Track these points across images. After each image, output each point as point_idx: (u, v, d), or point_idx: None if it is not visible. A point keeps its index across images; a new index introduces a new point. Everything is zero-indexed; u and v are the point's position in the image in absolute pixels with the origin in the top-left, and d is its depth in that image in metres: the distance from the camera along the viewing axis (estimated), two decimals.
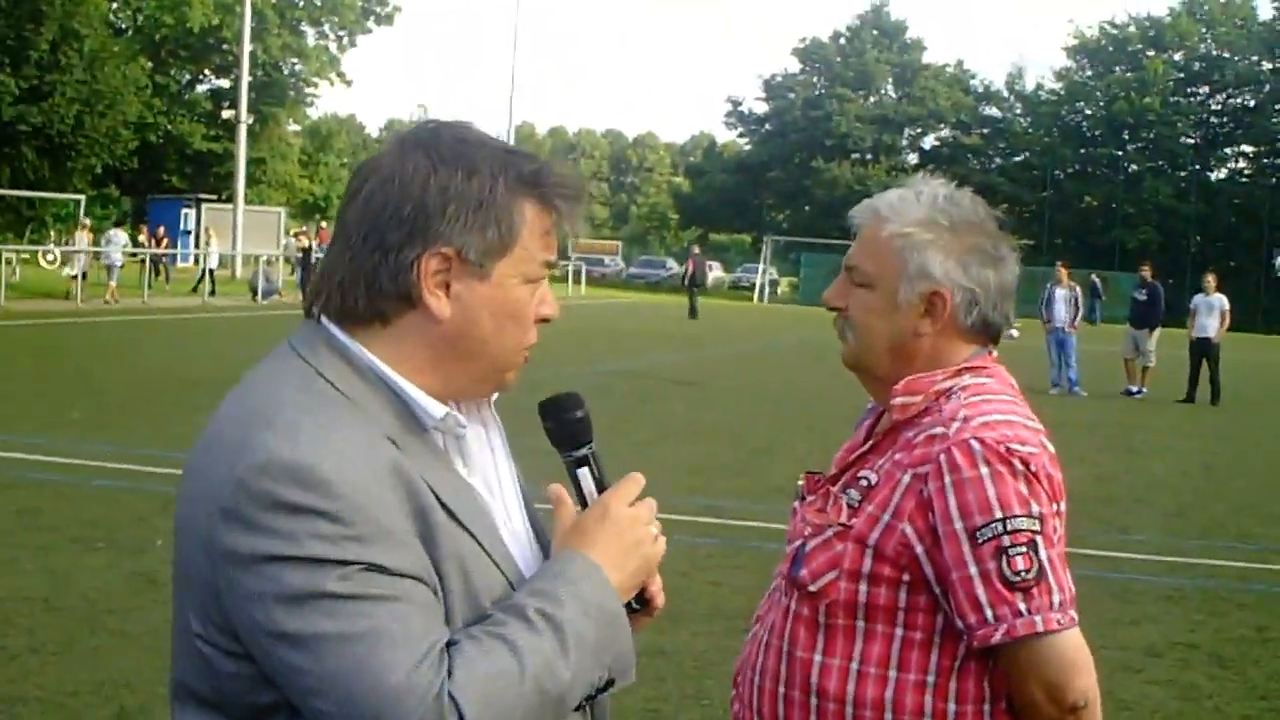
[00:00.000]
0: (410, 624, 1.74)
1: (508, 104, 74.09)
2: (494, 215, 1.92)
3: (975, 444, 2.41)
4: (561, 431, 2.12)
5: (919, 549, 2.44)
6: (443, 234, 1.90)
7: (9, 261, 38.87)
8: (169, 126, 67.38)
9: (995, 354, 2.71)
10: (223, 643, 1.82)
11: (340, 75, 76.67)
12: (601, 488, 2.09)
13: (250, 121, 58.62)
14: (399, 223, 1.90)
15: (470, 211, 1.91)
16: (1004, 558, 2.37)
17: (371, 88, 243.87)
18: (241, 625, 1.78)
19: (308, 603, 1.72)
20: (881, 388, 2.66)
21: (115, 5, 66.60)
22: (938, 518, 2.41)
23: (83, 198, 45.11)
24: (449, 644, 1.78)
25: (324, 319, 1.96)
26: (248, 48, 55.39)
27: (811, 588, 2.54)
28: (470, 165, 1.93)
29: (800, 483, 2.80)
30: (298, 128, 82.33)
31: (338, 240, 1.96)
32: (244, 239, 52.43)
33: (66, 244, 44.11)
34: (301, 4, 73.73)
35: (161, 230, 49.05)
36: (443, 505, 1.87)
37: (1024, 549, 2.37)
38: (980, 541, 2.38)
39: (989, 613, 2.37)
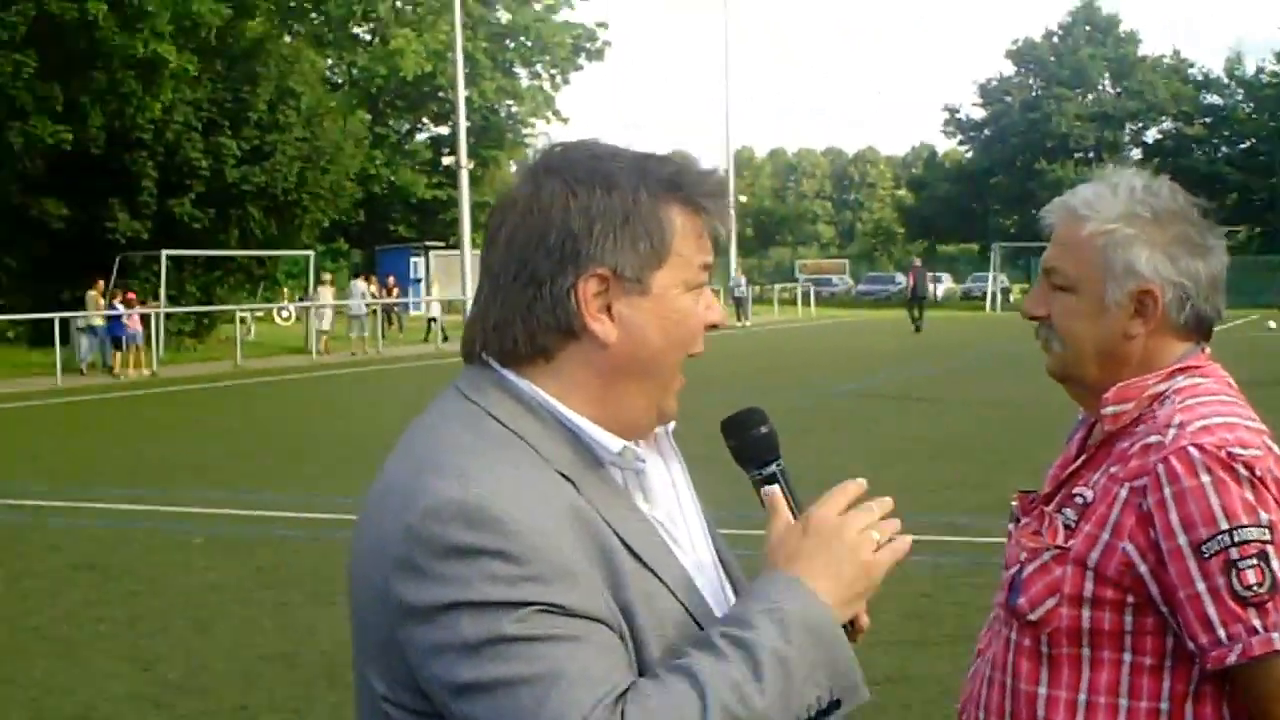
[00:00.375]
0: (589, 666, 1.67)
1: (724, 129, 73.69)
2: (643, 227, 1.86)
3: (1194, 451, 2.28)
4: (746, 449, 2.04)
5: (1142, 568, 2.30)
6: (594, 255, 1.84)
7: (243, 320, 39.75)
8: (392, 177, 68.56)
9: (1208, 351, 2.56)
10: (409, 702, 1.77)
11: (556, 113, 77.37)
12: (794, 504, 1.98)
13: (470, 166, 59.26)
14: (547, 253, 1.85)
15: (617, 227, 1.85)
16: (1233, 571, 2.23)
17: (588, 123, 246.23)
18: (425, 681, 1.73)
19: (485, 649, 1.66)
20: (1092, 397, 2.54)
21: (330, 61, 68.02)
22: (1159, 533, 2.28)
23: (311, 253, 45.97)
24: (630, 685, 1.69)
25: (488, 359, 1.91)
26: (463, 94, 56.00)
27: (1031, 616, 2.41)
28: (608, 180, 1.86)
29: (1014, 503, 2.66)
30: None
31: (485, 284, 1.92)
32: (472, 284, 52.84)
33: (299, 300, 44.97)
34: (513, 46, 74.54)
35: (391, 280, 49.77)
36: (625, 544, 1.80)
37: (1254, 561, 2.23)
38: (1206, 556, 2.24)
39: (1221, 632, 2.24)
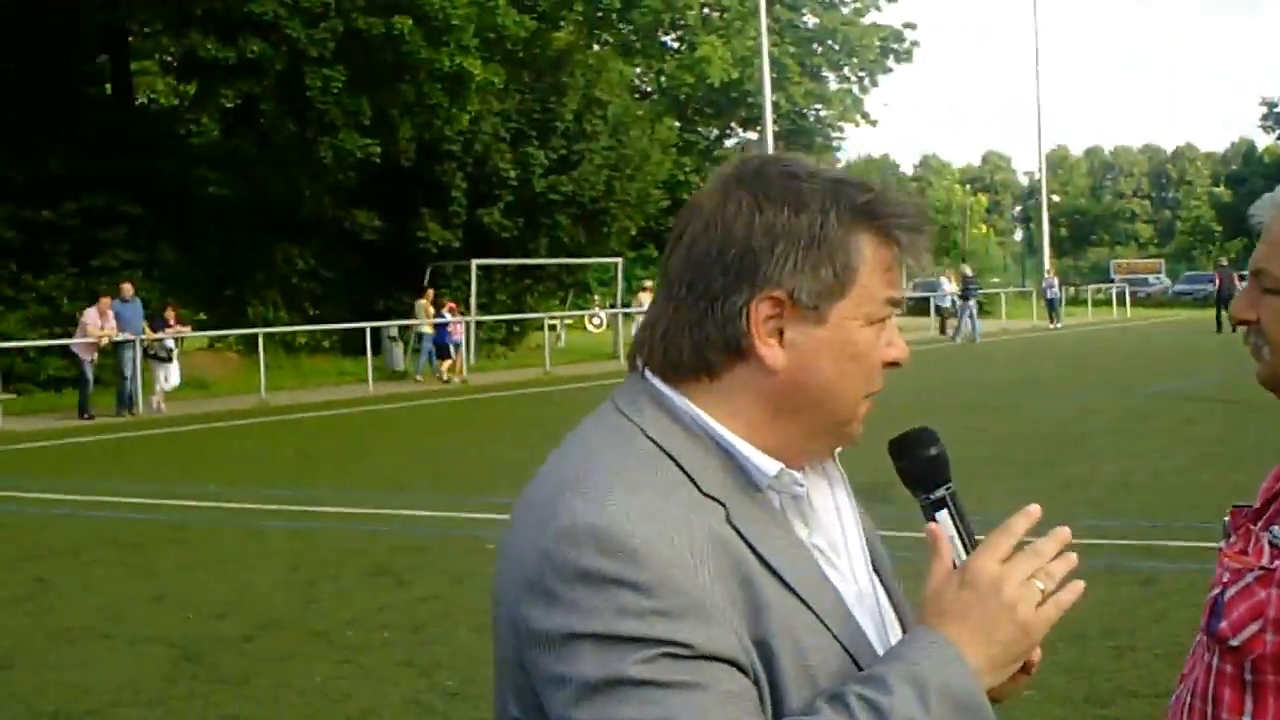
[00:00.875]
0: (711, 715, 1.58)
1: (1035, 128, 72.00)
2: (828, 253, 1.77)
3: None
4: (914, 471, 1.91)
5: None
6: (772, 277, 1.76)
7: (553, 328, 40.26)
8: (700, 183, 68.36)
9: None
10: None
11: (864, 116, 76.65)
12: (964, 532, 1.86)
13: None
14: (724, 267, 1.77)
15: (801, 250, 1.77)
16: None
17: (901, 125, 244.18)
18: (546, 710, 1.67)
19: (604, 689, 1.59)
20: None
21: (639, 70, 68.59)
22: None
23: (620, 260, 46.31)
24: None
25: (648, 373, 1.85)
26: (769, 99, 55.92)
27: (1233, 642, 2.20)
28: (798, 200, 1.78)
29: (1226, 519, 2.42)
30: None
31: (661, 289, 1.85)
32: None
33: (610, 307, 45.39)
34: (820, 50, 74.13)
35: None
36: (774, 573, 1.72)
37: None
38: None
39: None
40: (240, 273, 36.51)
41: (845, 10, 74.31)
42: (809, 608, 1.74)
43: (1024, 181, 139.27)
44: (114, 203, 32.51)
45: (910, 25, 75.79)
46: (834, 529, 1.91)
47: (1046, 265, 64.72)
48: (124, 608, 10.22)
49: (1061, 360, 31.57)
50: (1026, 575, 1.73)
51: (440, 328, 33.64)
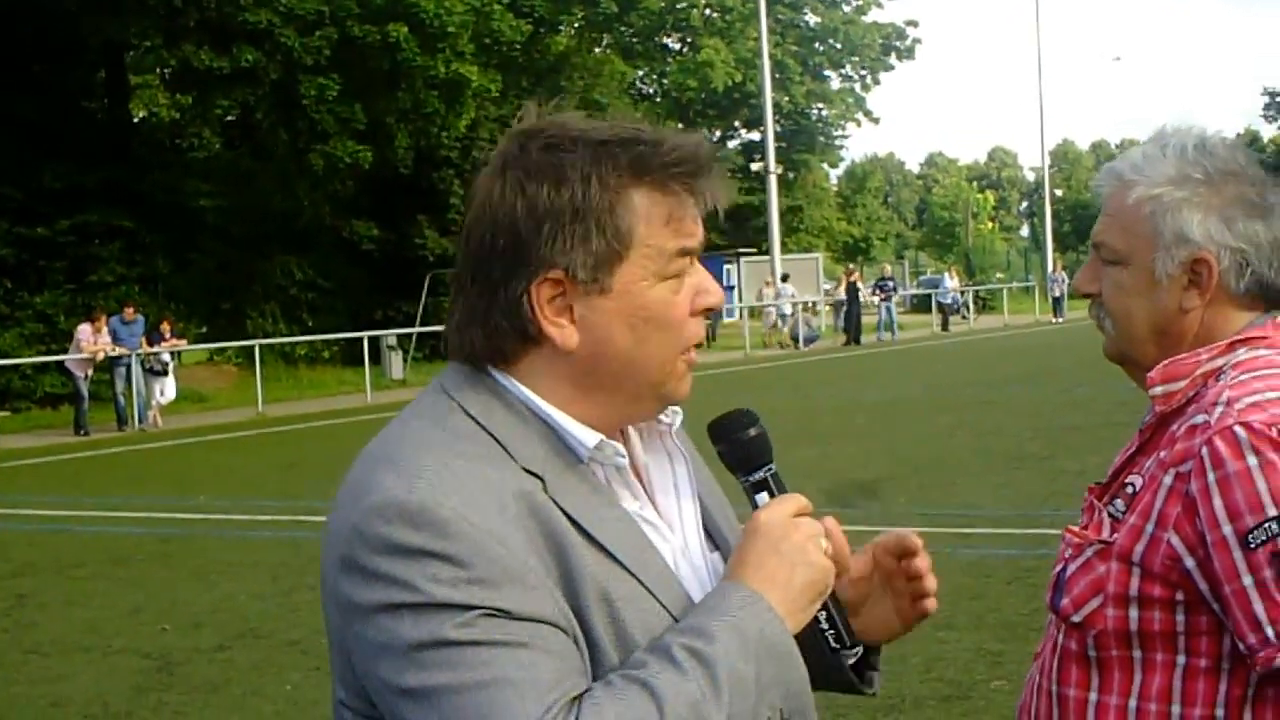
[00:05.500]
0: (537, 672, 1.62)
1: (1039, 123, 71.88)
2: (595, 222, 1.75)
3: (1240, 430, 2.06)
4: (735, 454, 1.91)
5: (1189, 562, 2.11)
6: (545, 258, 1.75)
7: None
8: None
9: None
10: (359, 706, 1.75)
11: (867, 114, 76.54)
12: None
13: (780, 171, 58.98)
14: (499, 255, 1.77)
15: (567, 225, 1.75)
16: None
17: (906, 123, 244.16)
18: (370, 685, 1.69)
19: (427, 653, 1.61)
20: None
21: (641, 73, 68.52)
22: (1204, 523, 2.08)
23: None
24: (584, 692, 1.64)
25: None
26: (770, 100, 55.80)
27: (1075, 618, 2.23)
28: (558, 173, 1.75)
29: (1086, 495, 2.42)
30: (833, 171, 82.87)
31: (455, 281, 1.86)
32: (756, 290, 52.48)
33: None
34: (822, 49, 74.02)
35: None
36: (593, 541, 1.73)
37: None
38: (1252, 546, 2.03)
39: (1270, 631, 2.04)
40: (238, 285, 36.48)
41: (847, 9, 74.23)
42: (631, 574, 1.75)
43: (1030, 177, 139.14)
44: (109, 218, 32.54)
45: (912, 23, 75.64)
46: (669, 503, 1.91)
47: (1050, 261, 64.51)
48: (103, 621, 10.15)
49: (1059, 355, 31.47)
50: (811, 530, 1.80)
51: None
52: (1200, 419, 2.15)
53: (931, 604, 2.00)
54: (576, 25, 54.36)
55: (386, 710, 1.68)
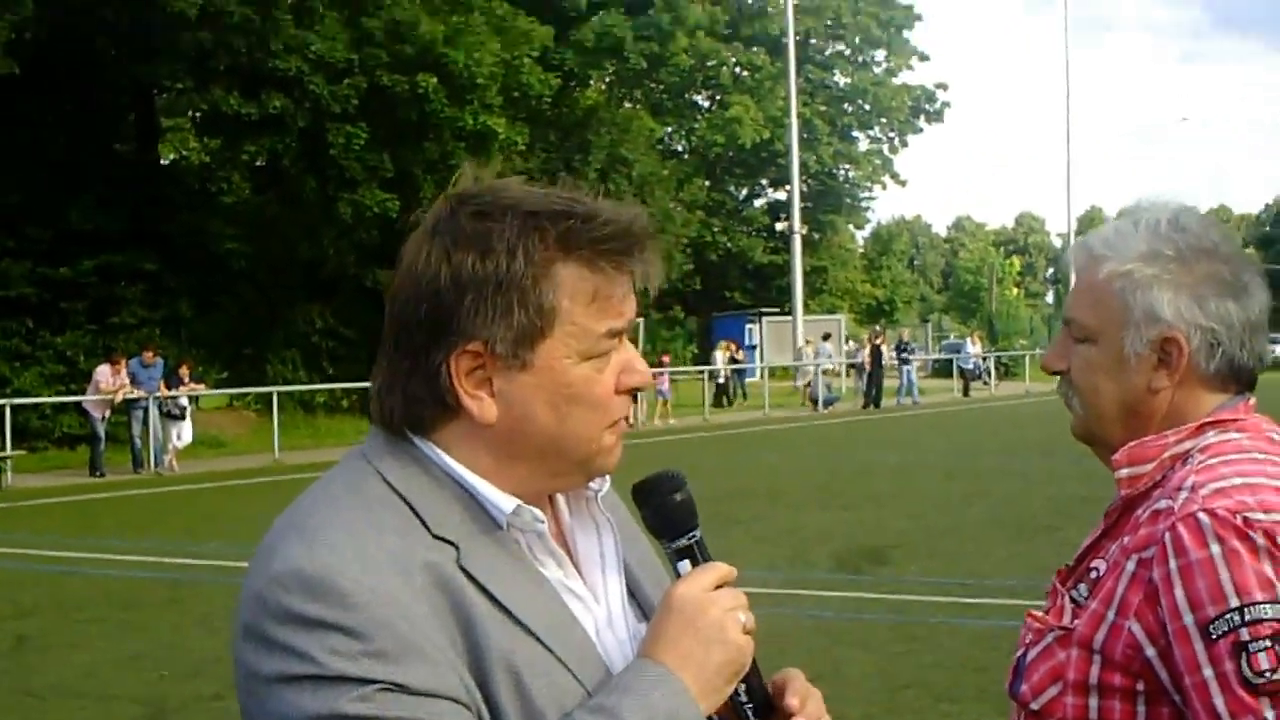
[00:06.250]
0: None
1: (1065, 189, 71.79)
2: (518, 296, 1.71)
3: (1204, 517, 2.02)
4: (658, 519, 1.87)
5: (1150, 651, 2.06)
6: (465, 329, 1.72)
7: None
8: (728, 243, 68.74)
9: (1253, 401, 2.28)
10: None
11: (894, 176, 76.69)
12: None
13: (806, 231, 59.05)
14: (419, 324, 1.74)
15: (489, 297, 1.71)
16: (1243, 655, 1.97)
17: (934, 186, 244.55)
18: None
19: None
20: None
21: (670, 130, 68.75)
22: (1166, 612, 2.02)
23: (640, 320, 46.26)
24: None
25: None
26: (797, 159, 55.96)
27: (1034, 705, 2.19)
28: (484, 243, 1.72)
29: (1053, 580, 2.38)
30: (859, 233, 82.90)
31: (381, 344, 1.81)
32: (806, 351, 52.46)
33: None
34: (850, 110, 74.26)
35: (734, 345, 49.55)
36: (503, 608, 1.69)
37: (1268, 643, 1.96)
38: (1214, 637, 1.98)
39: None
40: (260, 331, 36.50)
41: (876, 70, 74.56)
42: (544, 646, 1.71)
43: (1058, 243, 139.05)
44: (134, 259, 32.62)
45: (942, 85, 75.89)
46: (594, 572, 1.88)
47: None
48: (102, 666, 10.09)
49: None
50: (729, 604, 1.76)
51: None
52: (1164, 504, 2.10)
53: None
54: (606, 80, 54.63)
55: None
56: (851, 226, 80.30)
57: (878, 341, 45.61)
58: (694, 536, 1.86)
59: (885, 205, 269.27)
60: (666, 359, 41.88)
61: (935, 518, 16.68)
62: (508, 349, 1.72)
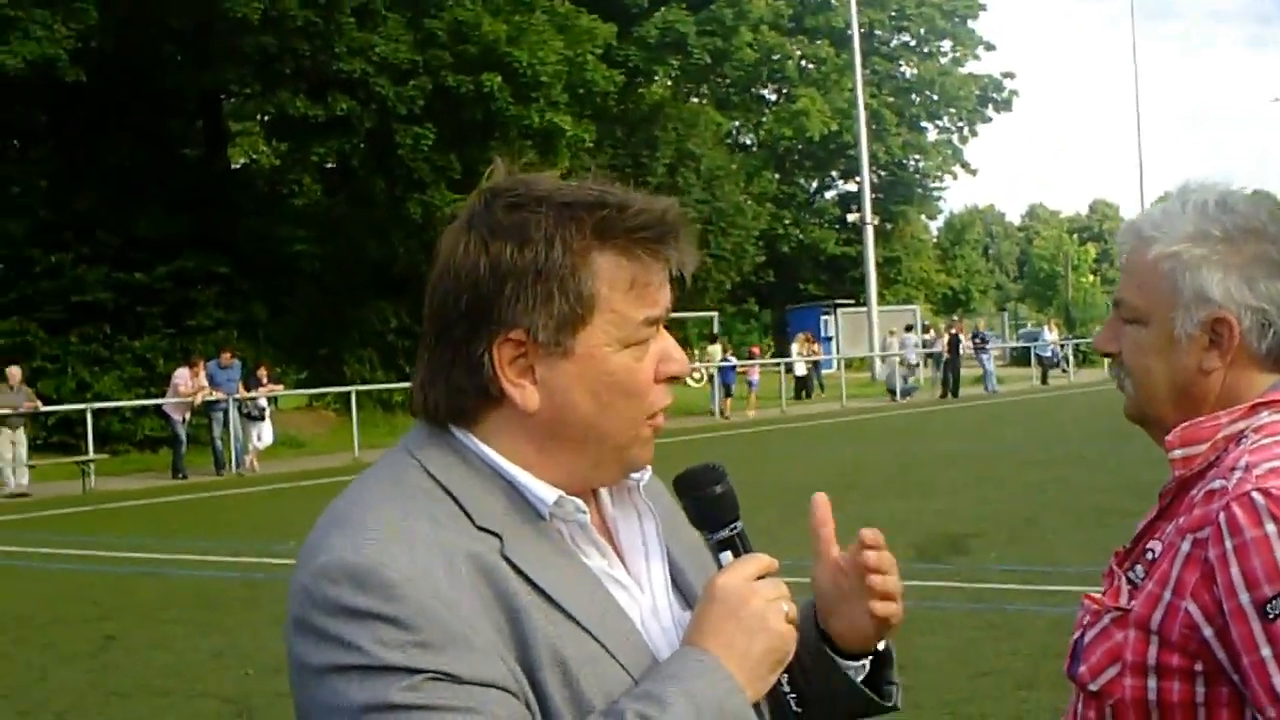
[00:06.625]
0: None
1: (1138, 175, 71.21)
2: (557, 284, 1.74)
3: (1258, 496, 1.99)
4: (700, 511, 1.89)
5: (1207, 631, 2.03)
6: (506, 318, 1.74)
7: None
8: (800, 235, 68.64)
9: None
10: None
11: (965, 166, 76.28)
12: None
13: (877, 222, 58.84)
14: (461, 314, 1.76)
15: (529, 286, 1.73)
16: None
17: (1006, 175, 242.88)
18: None
19: (373, 715, 1.60)
20: None
21: (738, 124, 68.68)
22: (1221, 591, 2.00)
23: (715, 315, 46.28)
24: None
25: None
26: (866, 151, 55.81)
27: (1092, 686, 2.16)
28: (522, 233, 1.74)
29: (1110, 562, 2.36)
30: (932, 223, 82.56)
31: (422, 338, 1.85)
32: (880, 340, 52.30)
33: (705, 361, 45.34)
34: (918, 100, 73.91)
35: (807, 336, 49.52)
36: (548, 598, 1.71)
37: None
38: (1271, 616, 1.95)
39: None
40: (335, 331, 36.77)
41: (943, 60, 74.20)
42: (590, 634, 1.73)
43: None
44: (206, 263, 33.00)
45: (1009, 74, 75.49)
46: (638, 561, 1.89)
47: None
48: (186, 664, 10.20)
49: None
50: (771, 594, 1.78)
51: (725, 369, 38.76)
52: (1218, 484, 2.08)
53: (881, 608, 1.93)
54: (671, 76, 54.56)
55: None
56: (923, 216, 80.00)
57: (955, 331, 45.42)
58: (735, 528, 1.87)
59: (957, 195, 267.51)
60: (756, 351, 41.89)
61: (1013, 506, 16.59)
62: (549, 336, 1.74)
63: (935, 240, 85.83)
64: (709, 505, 1.88)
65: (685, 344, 51.79)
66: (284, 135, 36.20)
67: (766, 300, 67.65)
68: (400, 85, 32.60)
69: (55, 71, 29.25)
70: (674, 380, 1.83)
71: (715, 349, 41.17)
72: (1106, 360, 2.39)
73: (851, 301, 61.15)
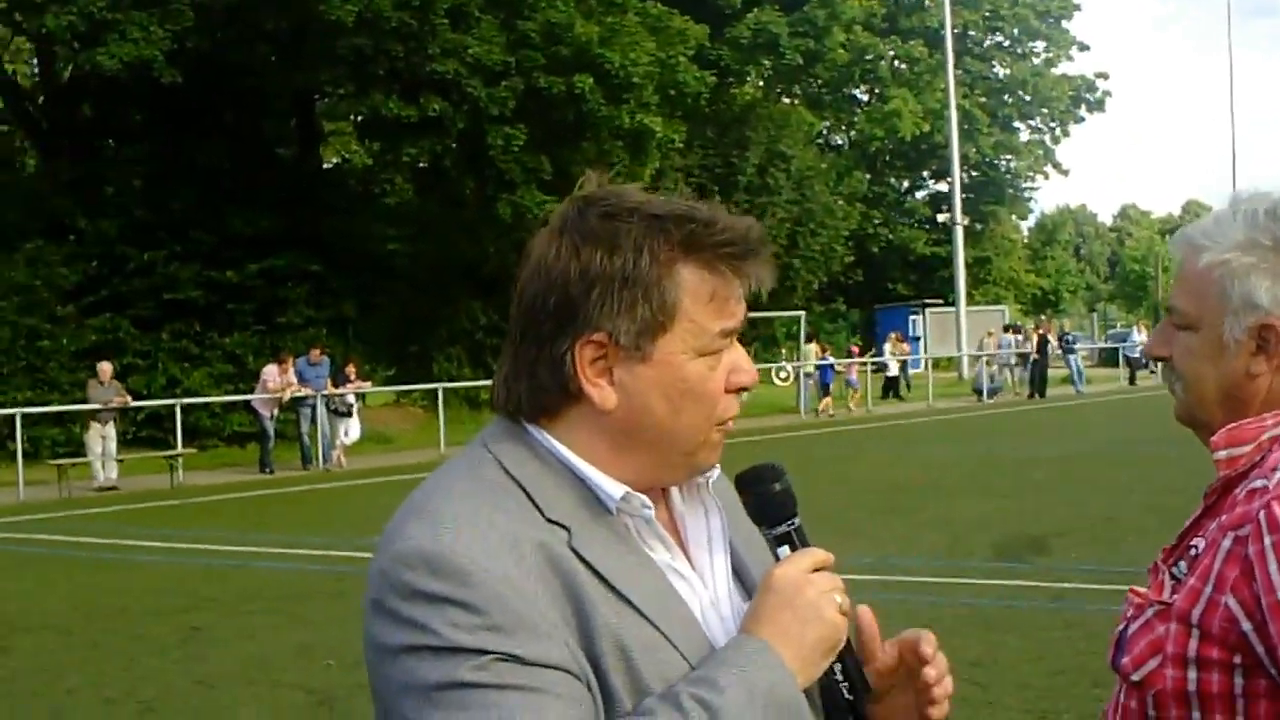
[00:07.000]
0: (545, 715, 1.68)
1: (1230, 176, 70.21)
2: (643, 292, 1.83)
3: None
4: (760, 506, 1.98)
5: (1246, 625, 2.08)
6: (591, 320, 1.83)
7: None
8: (890, 235, 68.32)
9: None
10: None
11: (1056, 166, 75.66)
12: None
13: (968, 222, 58.49)
14: (548, 313, 1.85)
15: (616, 292, 1.82)
16: None
17: (1098, 174, 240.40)
18: None
19: (444, 693, 1.69)
20: None
21: (828, 124, 68.47)
22: (1260, 587, 2.05)
23: (802, 314, 46.14)
24: None
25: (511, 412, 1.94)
26: (957, 151, 55.50)
27: (1134, 677, 2.22)
28: (612, 241, 1.83)
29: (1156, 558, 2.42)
30: (1022, 223, 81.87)
31: (508, 335, 1.94)
32: (968, 340, 51.99)
33: (795, 360, 45.28)
34: (1010, 101, 73.31)
35: (898, 336, 49.29)
36: (612, 588, 1.80)
37: None
38: None
39: None
40: (423, 329, 37.02)
41: (1036, 61, 73.57)
42: (651, 623, 1.81)
43: None
44: (297, 261, 33.37)
45: (1102, 75, 74.95)
46: (702, 555, 1.97)
47: None
48: (271, 656, 10.36)
49: None
50: (825, 586, 1.86)
51: (823, 368, 39.50)
52: (1260, 483, 2.14)
53: (935, 713, 1.99)
54: (763, 77, 54.48)
55: None
56: (1014, 217, 79.33)
57: (1044, 331, 45.09)
58: (793, 524, 1.96)
59: (1049, 195, 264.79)
60: (856, 350, 42.39)
61: (1096, 506, 16.47)
62: (630, 341, 1.83)
63: (1025, 240, 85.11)
64: (769, 501, 1.97)
65: (773, 342, 52.00)
66: (376, 135, 36.43)
67: (855, 300, 67.39)
68: (492, 86, 32.70)
69: (151, 72, 29.66)
70: (743, 390, 1.92)
71: (811, 348, 41.13)
72: (1160, 364, 2.46)
73: (940, 301, 60.79)
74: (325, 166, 43.15)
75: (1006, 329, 48.27)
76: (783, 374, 48.73)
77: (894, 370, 45.42)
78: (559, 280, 1.83)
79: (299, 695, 9.16)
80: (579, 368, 1.84)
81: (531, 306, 1.87)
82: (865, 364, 42.70)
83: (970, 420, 35.36)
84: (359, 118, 37.16)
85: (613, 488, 1.86)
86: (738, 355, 1.91)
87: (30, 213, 32.87)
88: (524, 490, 1.84)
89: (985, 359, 45.09)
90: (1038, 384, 43.58)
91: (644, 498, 1.88)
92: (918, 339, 56.09)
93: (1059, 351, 47.47)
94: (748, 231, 1.88)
